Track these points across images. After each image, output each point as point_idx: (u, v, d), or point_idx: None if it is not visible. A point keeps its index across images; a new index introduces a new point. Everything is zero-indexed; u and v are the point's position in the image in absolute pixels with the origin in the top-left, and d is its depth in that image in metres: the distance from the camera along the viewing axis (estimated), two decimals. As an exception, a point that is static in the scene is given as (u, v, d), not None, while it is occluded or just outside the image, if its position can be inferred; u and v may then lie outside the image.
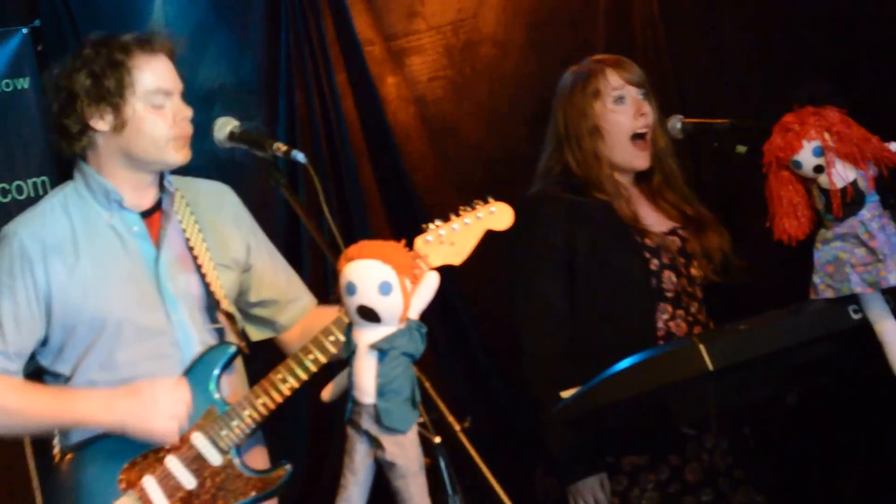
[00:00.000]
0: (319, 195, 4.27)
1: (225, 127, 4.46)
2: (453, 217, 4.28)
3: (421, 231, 4.25)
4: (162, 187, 4.59)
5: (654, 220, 5.14)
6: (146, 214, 4.56)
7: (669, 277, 5.07)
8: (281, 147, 4.35)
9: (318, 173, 4.35)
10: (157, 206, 4.58)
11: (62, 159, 7.89)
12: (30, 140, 8.10)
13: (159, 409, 4.30)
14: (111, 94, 4.42)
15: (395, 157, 7.09)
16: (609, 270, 5.01)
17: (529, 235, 4.94)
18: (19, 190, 8.00)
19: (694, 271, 5.12)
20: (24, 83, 8.11)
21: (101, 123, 4.46)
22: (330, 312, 4.52)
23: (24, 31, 8.13)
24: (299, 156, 4.31)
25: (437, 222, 4.26)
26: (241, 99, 7.31)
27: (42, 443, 6.70)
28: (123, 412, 4.30)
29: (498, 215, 4.32)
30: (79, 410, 4.34)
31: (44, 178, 8.05)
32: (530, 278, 5.04)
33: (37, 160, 8.11)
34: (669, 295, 5.07)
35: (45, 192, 7.74)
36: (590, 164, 5.07)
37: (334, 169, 7.12)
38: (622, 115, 5.05)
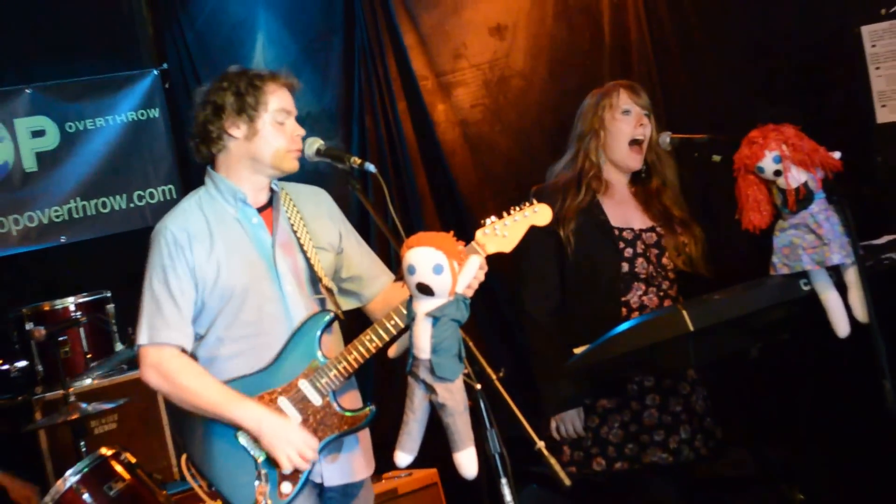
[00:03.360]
0: (385, 197, 4.29)
1: (313, 145, 4.53)
2: (505, 214, 4.29)
3: (470, 224, 4.27)
4: (271, 189, 4.63)
5: (638, 218, 5.15)
6: (261, 209, 4.59)
7: (641, 263, 5.09)
8: (356, 160, 4.42)
9: (384, 180, 4.37)
10: (269, 203, 4.62)
11: (185, 172, 7.97)
12: (159, 157, 8.17)
13: (293, 443, 4.33)
14: (249, 108, 4.47)
15: (444, 168, 7.09)
16: (588, 255, 5.05)
17: None
18: (151, 196, 8.07)
19: (665, 261, 5.11)
20: (154, 113, 8.17)
21: (237, 131, 4.50)
22: (405, 289, 4.56)
23: (156, 72, 8.20)
24: (370, 167, 4.38)
25: (493, 218, 4.27)
26: (324, 123, 7.34)
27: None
28: (268, 432, 4.33)
29: (540, 214, 4.33)
30: (236, 414, 4.35)
31: (170, 186, 8.11)
32: (531, 255, 5.07)
33: (164, 173, 8.18)
34: (642, 276, 5.09)
35: (171, 198, 7.82)
36: (593, 161, 5.09)
37: (396, 177, 7.13)
38: (625, 124, 5.07)
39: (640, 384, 5.04)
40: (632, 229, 5.11)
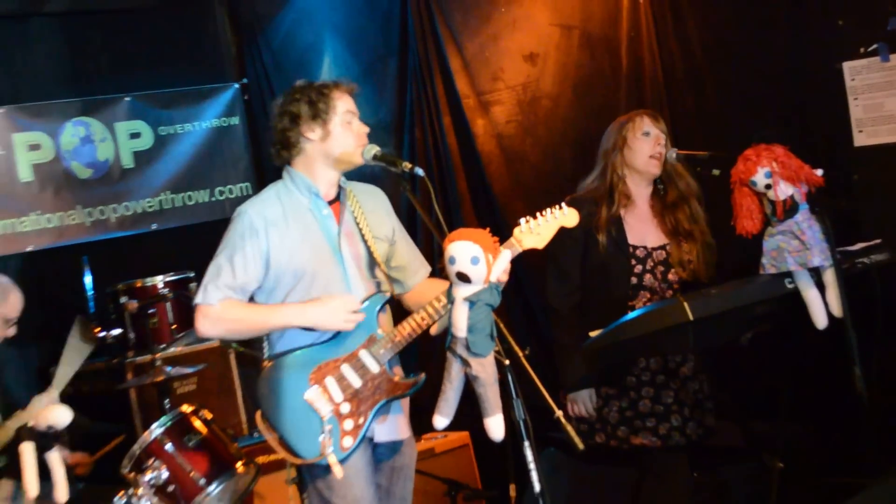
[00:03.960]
0: (431, 198, 4.33)
1: (370, 151, 4.59)
2: (539, 215, 4.33)
3: (502, 222, 4.31)
4: (339, 185, 4.66)
5: (652, 235, 5.17)
6: (330, 203, 4.65)
7: (649, 278, 5.13)
8: (407, 165, 4.47)
9: (430, 183, 4.40)
10: (337, 198, 4.67)
11: (258, 171, 7.98)
12: (237, 158, 8.19)
13: (338, 311, 4.44)
14: (322, 113, 4.55)
15: (481, 174, 7.10)
16: (604, 264, 5.09)
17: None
18: (230, 191, 8.09)
19: (671, 276, 5.14)
20: (234, 121, 8.19)
21: (313, 134, 4.56)
22: (438, 283, 4.62)
23: (237, 86, 8.21)
24: (419, 171, 4.44)
25: (528, 218, 4.31)
26: (379, 133, 7.35)
27: (241, 355, 6.81)
28: (313, 315, 4.45)
29: (569, 216, 4.38)
30: (283, 316, 4.49)
31: (246, 183, 8.12)
32: (557, 257, 5.10)
33: (241, 172, 8.18)
34: (648, 287, 5.13)
35: (247, 194, 7.86)
36: (619, 174, 5.11)
37: (440, 181, 7.14)
38: (645, 143, 5.09)
39: (638, 377, 5.09)
40: (644, 247, 5.14)
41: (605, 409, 5.13)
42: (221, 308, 4.54)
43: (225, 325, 4.59)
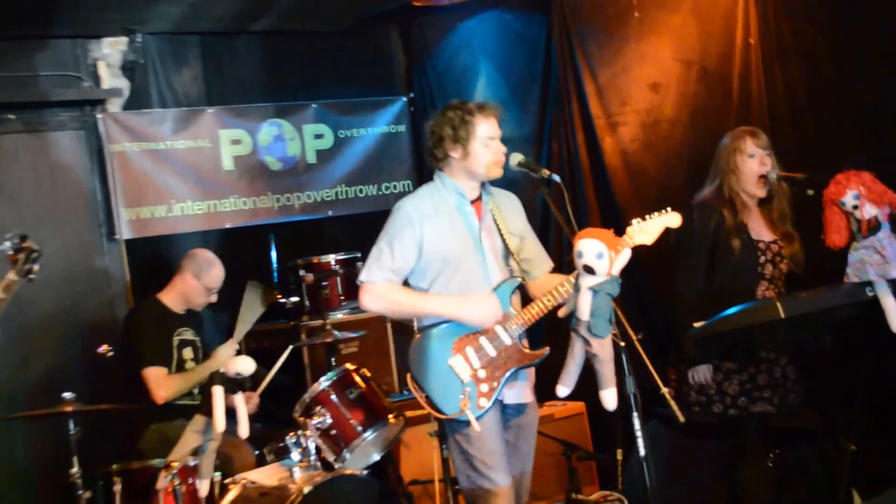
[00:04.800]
0: (565, 200, 4.35)
1: (515, 158, 4.64)
2: (647, 217, 4.34)
3: (623, 225, 4.31)
4: (481, 187, 4.71)
5: (766, 232, 5.09)
6: (473, 202, 4.68)
7: (768, 267, 5.04)
8: (546, 171, 4.52)
9: (564, 188, 4.41)
10: (478, 198, 4.70)
11: (419, 171, 8.06)
12: (402, 160, 8.30)
13: (483, 310, 4.50)
14: (462, 138, 4.58)
15: (607, 184, 7.06)
16: (733, 257, 4.99)
17: (690, 224, 4.91)
18: (394, 187, 8.20)
19: (783, 266, 5.06)
20: (401, 128, 8.29)
21: (455, 153, 4.61)
22: (556, 277, 4.67)
23: (404, 99, 8.31)
24: (555, 177, 4.51)
25: (638, 220, 4.33)
26: (522, 145, 7.36)
27: (396, 324, 6.85)
28: (461, 311, 4.50)
29: (672, 218, 4.37)
30: (433, 307, 4.56)
31: (408, 181, 8.22)
32: (685, 250, 5.04)
33: (404, 171, 8.29)
34: (767, 276, 5.04)
35: (408, 190, 7.92)
36: (734, 191, 5.05)
37: (572, 187, 7.10)
38: (752, 165, 5.01)
39: (756, 357, 4.99)
40: (764, 241, 5.06)
41: (726, 382, 5.04)
42: (383, 288, 4.60)
43: (384, 303, 4.66)
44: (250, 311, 5.07)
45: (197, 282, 6.10)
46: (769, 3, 6.00)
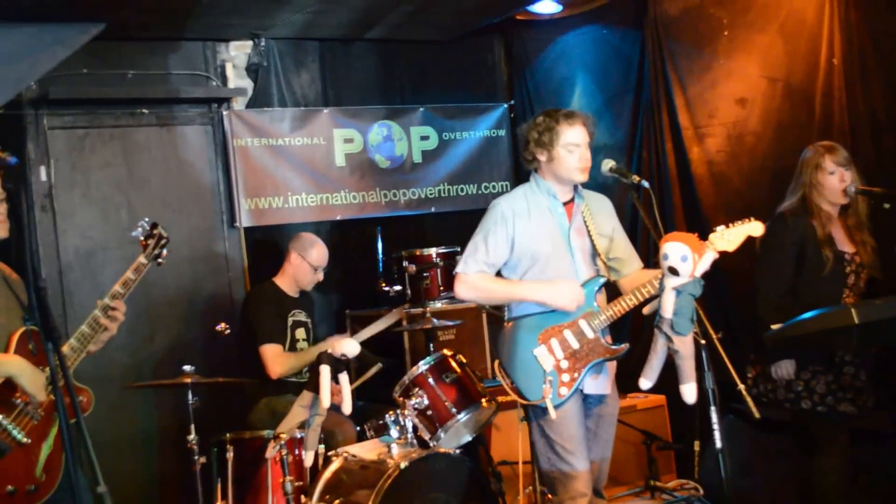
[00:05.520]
0: (653, 205, 4.34)
1: (608, 164, 4.62)
2: (731, 225, 4.26)
3: (707, 231, 4.26)
4: (574, 190, 4.70)
5: (847, 243, 5.01)
6: (565, 203, 4.68)
7: (850, 276, 4.96)
8: (636, 177, 4.51)
9: (653, 194, 4.39)
10: (570, 200, 4.69)
11: (516, 173, 8.07)
12: (501, 162, 8.31)
13: (566, 295, 4.49)
14: (546, 144, 4.59)
15: (693, 191, 6.98)
16: (825, 267, 4.90)
17: (783, 230, 4.89)
18: (493, 187, 8.20)
19: (864, 275, 4.97)
20: (502, 133, 8.29)
21: (542, 157, 4.62)
22: (647, 272, 4.63)
23: (505, 105, 8.33)
24: (645, 183, 4.48)
25: (721, 227, 4.25)
26: (615, 152, 7.32)
27: (490, 315, 6.84)
28: (545, 294, 4.50)
29: (754, 227, 4.29)
30: (521, 293, 4.57)
31: (506, 182, 8.22)
32: (773, 255, 4.96)
33: (503, 173, 8.29)
34: (850, 284, 4.95)
35: (506, 190, 7.91)
36: (818, 205, 4.96)
37: (659, 193, 7.04)
38: (833, 180, 4.94)
39: (841, 358, 4.91)
40: (847, 252, 4.98)
41: (813, 381, 4.96)
42: (476, 278, 4.63)
43: (477, 292, 4.68)
44: (383, 323, 5.16)
45: (302, 261, 6.18)
46: (853, 26, 5.91)
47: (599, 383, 4.63)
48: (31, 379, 3.90)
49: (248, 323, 6.06)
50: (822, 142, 5.19)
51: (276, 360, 5.91)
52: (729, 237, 4.27)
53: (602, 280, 4.61)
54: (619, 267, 4.74)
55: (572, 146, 4.58)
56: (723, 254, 4.25)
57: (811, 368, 4.99)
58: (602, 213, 4.78)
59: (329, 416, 5.22)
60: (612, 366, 4.70)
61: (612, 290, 4.73)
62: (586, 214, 4.67)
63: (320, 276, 6.28)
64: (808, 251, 4.94)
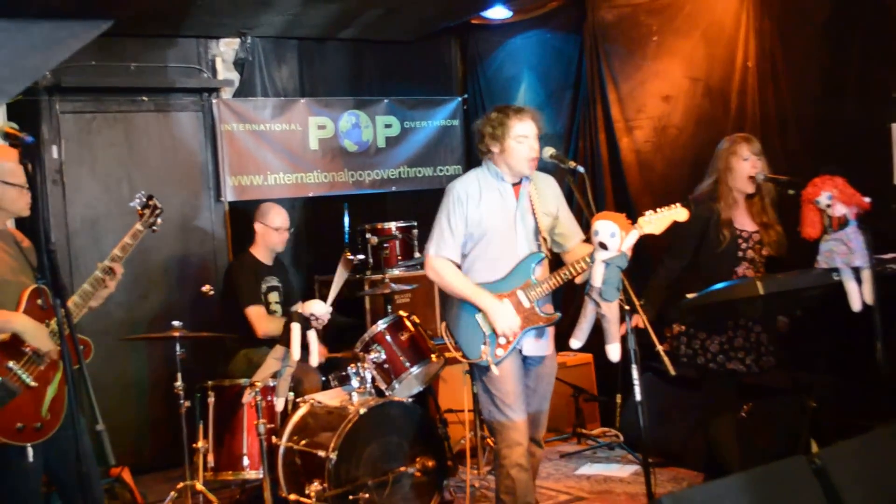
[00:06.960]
0: (587, 188, 4.25)
1: (547, 151, 4.52)
2: (657, 210, 4.21)
3: (634, 211, 4.22)
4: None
5: (749, 223, 4.92)
6: (513, 185, 4.58)
7: (748, 252, 4.86)
8: (572, 163, 4.42)
9: (587, 178, 4.33)
10: (518, 182, 4.59)
11: (468, 158, 7.99)
12: (454, 148, 8.25)
13: (508, 320, 4.40)
14: (499, 137, 4.48)
15: (622, 176, 6.95)
16: (720, 245, 4.81)
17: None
18: (447, 170, 8.11)
19: (764, 251, 4.90)
20: (455, 123, 8.23)
21: (494, 149, 4.51)
22: (587, 246, 4.52)
23: (459, 99, 8.25)
24: (580, 168, 4.38)
25: (650, 212, 4.21)
26: (555, 141, 7.26)
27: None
28: (491, 310, 4.40)
29: (679, 213, 4.24)
30: (472, 297, 4.43)
31: (458, 166, 8.16)
32: (679, 237, 4.86)
33: (456, 157, 8.25)
34: (748, 259, 4.85)
35: (458, 173, 7.83)
36: (728, 187, 4.88)
37: (592, 178, 6.99)
38: (745, 166, 4.84)
39: (734, 324, 4.84)
40: (746, 230, 4.89)
41: (708, 340, 4.89)
42: (441, 265, 4.53)
43: (438, 278, 4.56)
44: (340, 277, 5.11)
45: (265, 227, 6.09)
46: (766, 33, 5.88)
47: (540, 346, 4.55)
48: (34, 334, 3.91)
49: (231, 288, 5.98)
50: (740, 133, 5.14)
51: (261, 320, 5.84)
52: (656, 221, 4.21)
53: (541, 256, 4.50)
54: (563, 241, 4.65)
55: (522, 137, 4.46)
56: (650, 236, 4.20)
57: (709, 329, 4.92)
58: (548, 192, 4.66)
59: (298, 368, 5.22)
60: (551, 331, 4.63)
61: (558, 261, 4.64)
62: (533, 195, 4.57)
63: (286, 235, 6.20)
64: (710, 232, 4.87)
